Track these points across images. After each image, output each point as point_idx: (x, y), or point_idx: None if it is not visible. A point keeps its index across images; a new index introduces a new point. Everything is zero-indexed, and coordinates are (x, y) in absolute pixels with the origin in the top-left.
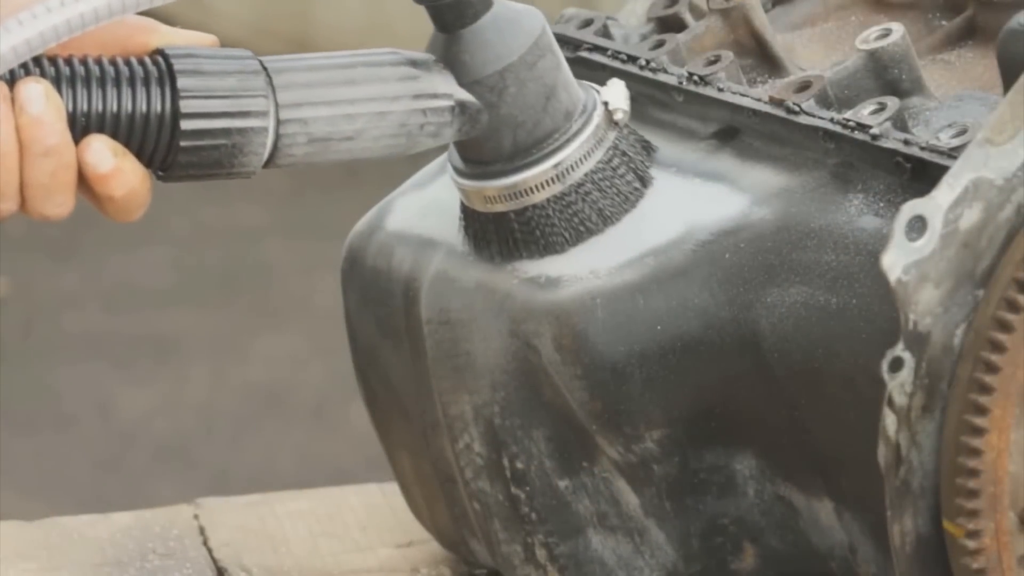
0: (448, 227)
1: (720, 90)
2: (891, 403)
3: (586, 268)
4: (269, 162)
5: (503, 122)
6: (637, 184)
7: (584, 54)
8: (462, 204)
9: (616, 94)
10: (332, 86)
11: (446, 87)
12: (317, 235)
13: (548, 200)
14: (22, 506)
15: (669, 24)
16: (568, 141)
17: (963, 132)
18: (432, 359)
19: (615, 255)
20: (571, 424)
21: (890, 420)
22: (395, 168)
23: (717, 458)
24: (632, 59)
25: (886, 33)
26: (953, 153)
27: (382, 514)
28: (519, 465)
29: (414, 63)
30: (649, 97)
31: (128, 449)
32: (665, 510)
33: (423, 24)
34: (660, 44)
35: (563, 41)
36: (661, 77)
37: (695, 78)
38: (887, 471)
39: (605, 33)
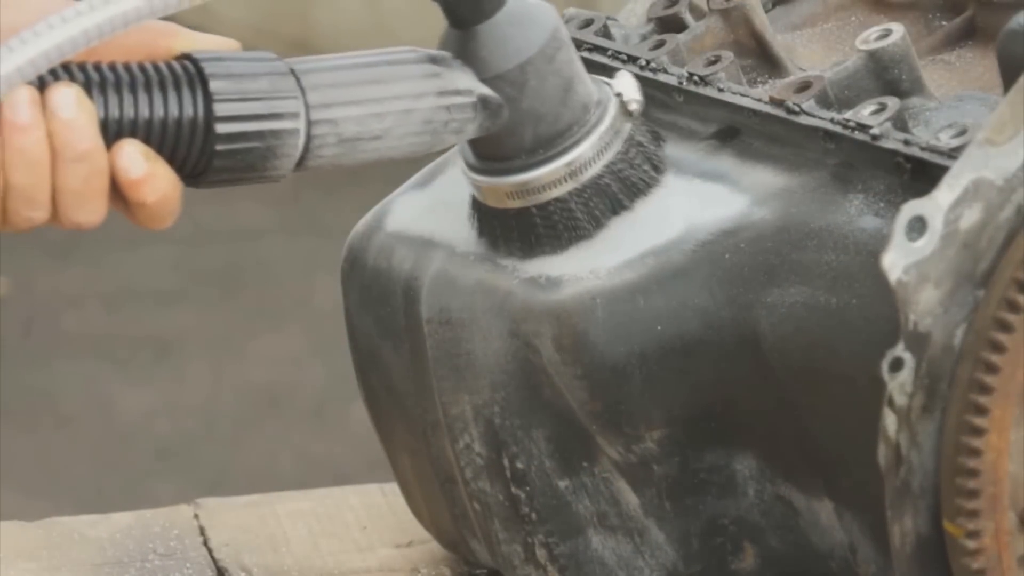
0: (448, 227)
1: (720, 90)
2: (891, 403)
3: (586, 268)
4: (299, 164)
5: (524, 116)
6: (653, 173)
7: (584, 54)
8: (474, 201)
9: (628, 85)
10: (359, 85)
11: (468, 83)
12: (317, 235)
13: (569, 193)
14: (22, 506)
15: (669, 24)
16: (587, 134)
17: (963, 132)
18: (432, 359)
19: (615, 255)
20: (571, 424)
21: (890, 420)
22: (395, 169)
23: (717, 458)
24: (632, 59)
25: (886, 33)
26: (953, 153)
27: (382, 514)
28: (519, 465)
29: (434, 60)
30: (649, 97)
31: (128, 449)
32: (665, 510)
33: (423, 25)
34: (660, 44)
35: None
36: (661, 77)
37: (695, 78)
38: (887, 471)
39: (605, 33)
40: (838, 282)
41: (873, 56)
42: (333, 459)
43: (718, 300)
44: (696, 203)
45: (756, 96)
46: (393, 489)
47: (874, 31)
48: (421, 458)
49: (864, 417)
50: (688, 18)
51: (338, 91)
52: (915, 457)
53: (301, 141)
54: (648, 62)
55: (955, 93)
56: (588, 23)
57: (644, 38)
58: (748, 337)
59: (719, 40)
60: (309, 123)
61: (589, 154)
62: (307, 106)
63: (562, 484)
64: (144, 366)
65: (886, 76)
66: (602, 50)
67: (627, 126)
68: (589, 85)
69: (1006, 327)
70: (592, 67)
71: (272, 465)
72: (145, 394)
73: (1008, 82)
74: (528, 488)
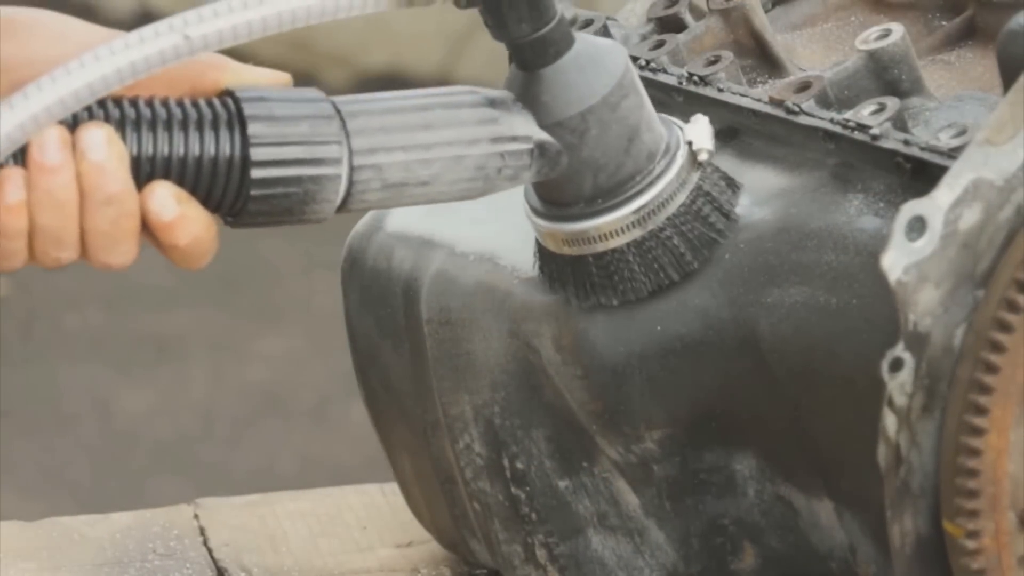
0: (448, 227)
1: (720, 90)
2: (891, 403)
3: None
4: (341, 207)
5: (584, 165)
6: (722, 224)
7: None
8: (537, 243)
9: (700, 132)
10: (408, 131)
11: (525, 129)
12: (317, 235)
13: (628, 245)
14: (22, 506)
15: (669, 24)
16: (650, 184)
17: (963, 132)
18: (432, 359)
19: None
20: (571, 424)
21: (890, 420)
22: None
23: (717, 458)
24: (632, 59)
25: (886, 33)
26: (953, 153)
27: (382, 514)
28: (519, 465)
29: (493, 103)
30: (649, 97)
31: (128, 449)
32: (665, 510)
33: (422, 25)
34: (660, 44)
35: None
36: (661, 77)
37: (695, 78)
38: (887, 471)
39: (605, 33)
40: (838, 282)
41: (873, 56)
42: (333, 459)
43: (718, 300)
44: None
45: (756, 96)
46: (393, 489)
47: (874, 31)
48: (421, 458)
49: (864, 417)
50: (688, 18)
51: (385, 136)
52: (915, 457)
53: (343, 187)
54: (648, 62)
55: (955, 93)
56: (588, 23)
57: (644, 38)
58: (748, 337)
59: (719, 40)
60: (352, 169)
61: (651, 206)
62: (351, 151)
63: (562, 484)
64: (144, 366)
65: (886, 76)
66: None
67: (695, 176)
68: (657, 132)
69: (1006, 327)
70: None
71: (272, 465)
72: (145, 394)
73: (1008, 82)
74: (528, 488)
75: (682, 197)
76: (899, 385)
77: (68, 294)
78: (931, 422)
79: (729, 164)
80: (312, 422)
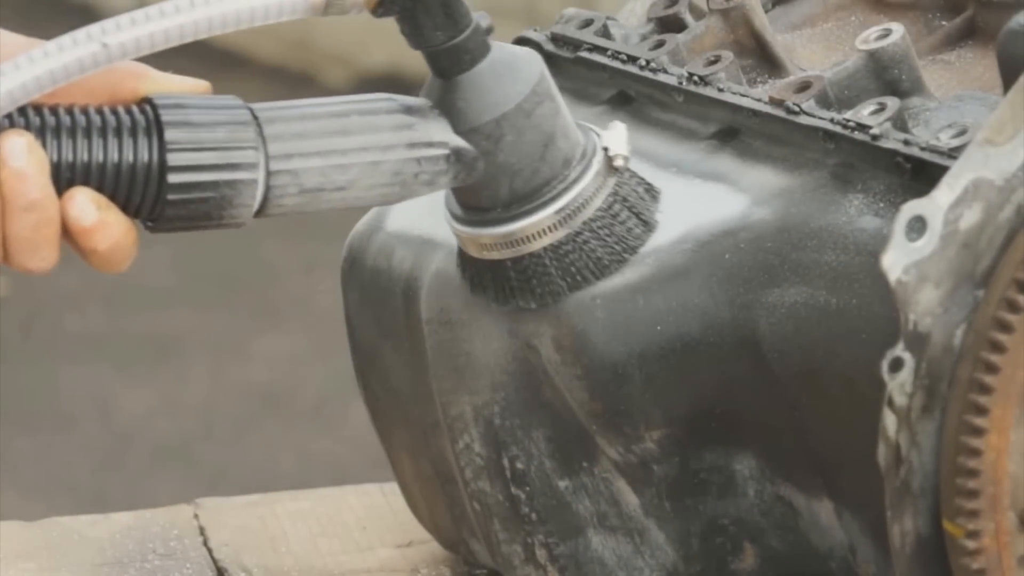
0: (448, 227)
1: (720, 90)
2: (891, 403)
3: None
4: (259, 212)
5: (500, 170)
6: (639, 230)
7: (584, 54)
8: (459, 248)
9: (616, 139)
10: (324, 136)
11: (442, 135)
12: (317, 235)
13: (545, 249)
14: (22, 506)
15: (669, 24)
16: (566, 189)
17: (963, 132)
18: (432, 359)
19: None
20: (571, 424)
21: (890, 420)
22: None
23: (717, 458)
24: (632, 59)
25: (886, 33)
26: (953, 153)
27: (382, 514)
28: (519, 465)
29: (409, 110)
30: (649, 97)
31: (128, 449)
32: (665, 510)
33: None
34: (660, 44)
35: (563, 41)
36: (661, 77)
37: (695, 78)
38: (887, 471)
39: (605, 33)
40: (838, 282)
41: (873, 56)
42: (333, 459)
43: (718, 300)
44: (696, 203)
45: (756, 96)
46: (393, 489)
47: (874, 31)
48: (421, 458)
49: (864, 417)
50: (688, 18)
51: (302, 142)
52: (915, 457)
53: (259, 191)
54: (648, 62)
55: (955, 93)
56: (588, 23)
57: (644, 38)
58: (748, 337)
59: (719, 40)
60: (268, 174)
61: (567, 210)
62: (267, 157)
63: (562, 484)
64: (144, 366)
65: (886, 76)
66: (602, 50)
67: (611, 181)
68: (574, 139)
69: (1006, 327)
70: (592, 67)
71: (272, 465)
72: (145, 394)
73: (1008, 82)
74: (528, 488)
75: (598, 202)
76: (899, 385)
77: (68, 294)
78: (931, 422)
79: (729, 164)
80: (312, 422)
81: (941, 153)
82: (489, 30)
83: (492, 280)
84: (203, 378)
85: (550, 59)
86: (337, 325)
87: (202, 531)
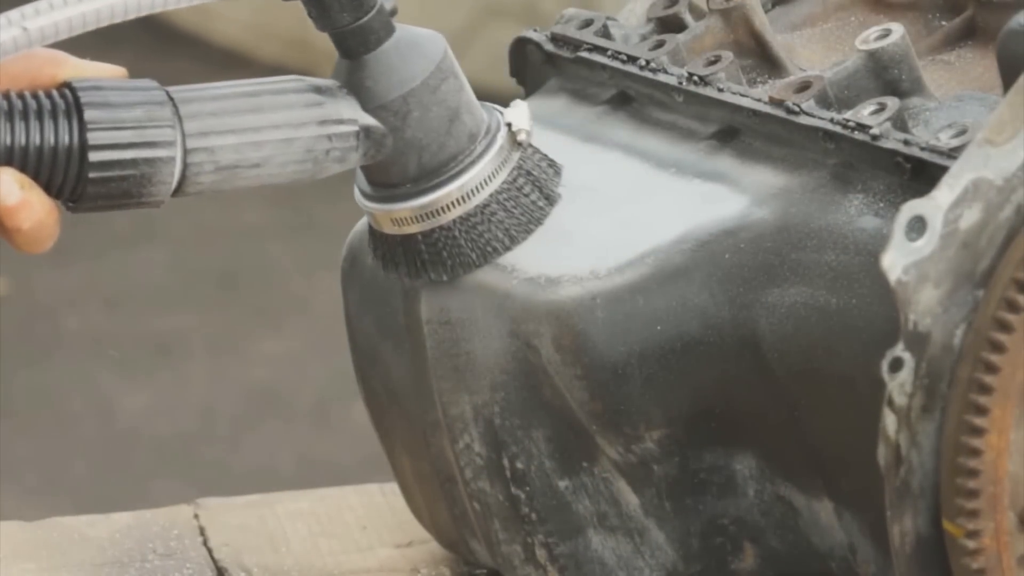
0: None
1: (720, 90)
2: (891, 403)
3: (586, 268)
4: (177, 191)
5: (408, 145)
6: (543, 203)
7: (584, 54)
8: (369, 227)
9: (519, 115)
10: (238, 114)
11: (351, 113)
12: (317, 235)
13: (455, 221)
14: (22, 506)
15: (669, 24)
16: (473, 163)
17: (963, 132)
18: (432, 359)
19: (615, 255)
20: (571, 424)
21: (890, 420)
22: None
23: (717, 458)
24: (632, 59)
25: (886, 33)
26: (953, 153)
27: (382, 514)
28: (519, 465)
29: (319, 90)
30: (649, 97)
31: (128, 449)
32: (665, 510)
33: (423, 23)
34: (660, 44)
35: (563, 41)
36: (661, 77)
37: (695, 78)
38: (887, 471)
39: (605, 33)
40: (838, 282)
41: (873, 56)
42: (333, 459)
43: (718, 300)
44: (696, 203)
45: (756, 96)
46: (393, 489)
47: (874, 31)
48: (421, 458)
49: (864, 417)
50: (688, 18)
51: (216, 120)
52: (915, 457)
53: (177, 169)
54: (648, 62)
55: (955, 93)
56: (588, 23)
57: (644, 38)
58: (748, 337)
59: (719, 40)
60: (186, 151)
61: (474, 183)
62: (184, 134)
63: (562, 484)
64: (144, 366)
65: (886, 76)
66: (602, 50)
67: (515, 155)
68: (478, 115)
69: (1006, 327)
70: (592, 67)
71: (272, 465)
72: (145, 394)
73: (1008, 82)
74: (528, 488)
75: (504, 175)
76: (899, 385)
77: (68, 294)
78: (931, 422)
79: (729, 164)
80: (312, 422)
81: (941, 153)
82: (393, 11)
83: (404, 255)
84: (203, 378)
85: (550, 59)
86: (337, 325)
87: (202, 531)
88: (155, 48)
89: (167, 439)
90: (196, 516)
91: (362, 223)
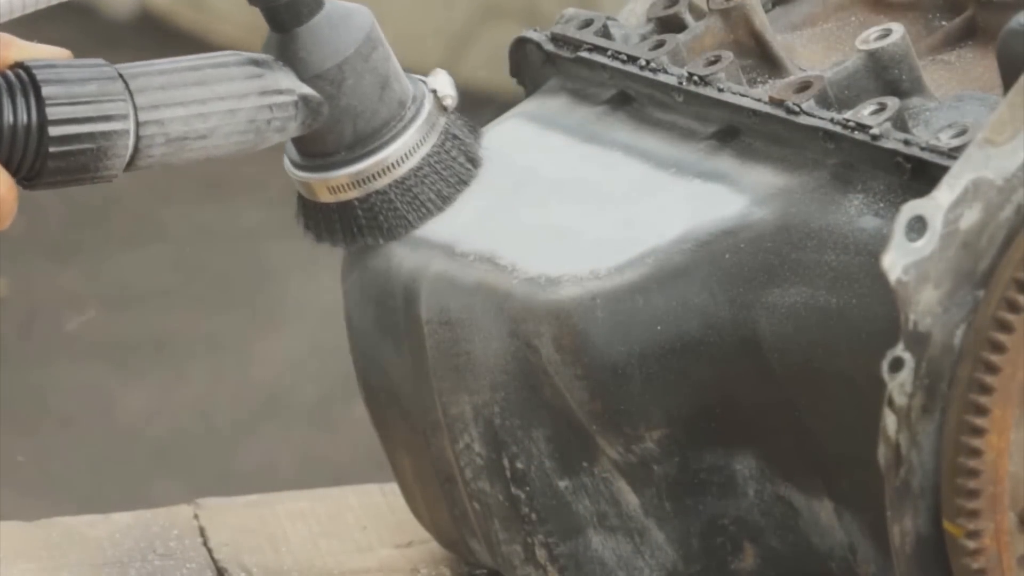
0: (447, 227)
1: (720, 90)
2: (891, 403)
3: (586, 268)
4: (130, 164)
5: (343, 113)
6: (469, 165)
7: (584, 54)
8: (299, 198)
9: (443, 82)
10: (185, 87)
11: (288, 83)
12: None
13: (390, 185)
14: (22, 506)
15: (669, 24)
16: (404, 128)
17: (963, 132)
18: (432, 359)
19: (615, 255)
20: (571, 424)
21: (890, 420)
22: None
23: (717, 458)
24: (632, 59)
25: (886, 33)
26: (953, 153)
27: (382, 514)
28: (519, 465)
29: (256, 62)
30: (649, 97)
31: (128, 449)
32: (665, 510)
33: (422, 25)
34: (660, 44)
35: (563, 41)
36: (661, 77)
37: (695, 78)
38: (887, 471)
39: (605, 33)
40: (838, 282)
41: (873, 56)
42: (333, 459)
43: (718, 300)
44: (696, 203)
45: (756, 96)
46: (393, 489)
47: (874, 31)
48: (421, 458)
49: (864, 417)
50: (688, 18)
51: (164, 93)
52: (915, 457)
53: (131, 142)
54: (648, 62)
55: (955, 93)
56: (588, 23)
57: (644, 38)
58: (748, 337)
59: (719, 40)
60: (138, 124)
61: (406, 147)
62: (135, 108)
63: (562, 484)
64: (144, 366)
65: (886, 76)
66: (602, 50)
67: (442, 120)
68: (405, 83)
69: (1006, 327)
70: (592, 67)
71: (272, 465)
72: (144, 394)
73: (1008, 82)
74: (528, 488)
75: (434, 139)
76: (899, 385)
77: (68, 294)
78: (931, 422)
79: (729, 164)
80: (312, 422)
81: (941, 153)
82: None
83: (340, 221)
84: (203, 378)
85: (550, 59)
86: (337, 325)
87: (202, 531)
88: (155, 48)
89: (167, 439)
90: (196, 516)
91: None
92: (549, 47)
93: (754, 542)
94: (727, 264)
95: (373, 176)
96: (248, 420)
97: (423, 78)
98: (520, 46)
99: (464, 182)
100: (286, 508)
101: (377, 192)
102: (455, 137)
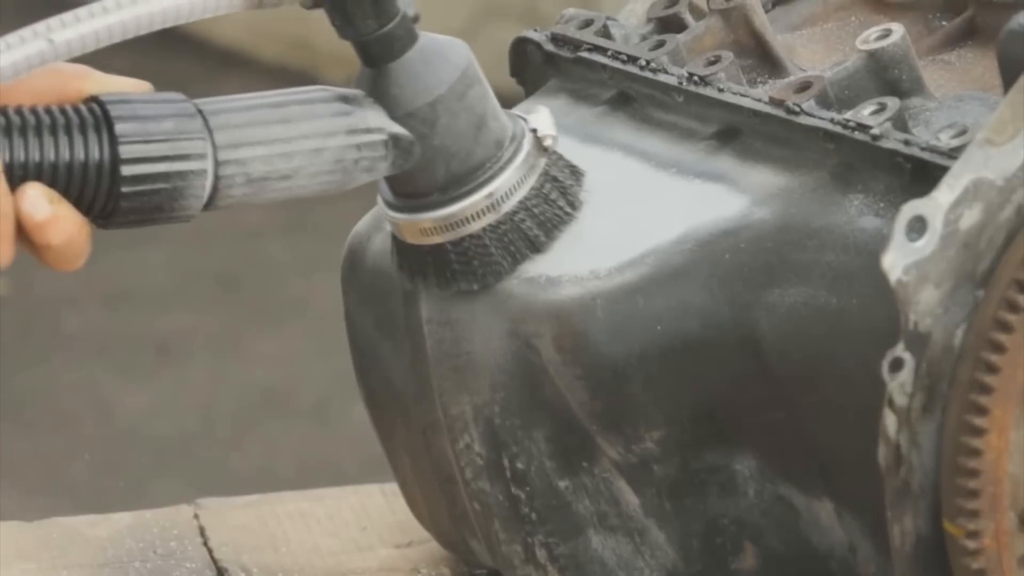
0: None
1: (720, 90)
2: (891, 403)
3: (586, 268)
4: (208, 204)
5: (436, 153)
6: (568, 209)
7: (584, 54)
8: (394, 238)
9: (544, 121)
10: (267, 125)
11: (378, 121)
12: (317, 235)
13: (484, 229)
14: (22, 506)
15: (669, 24)
16: (501, 170)
17: (963, 132)
18: (432, 359)
19: (615, 255)
20: (571, 424)
21: (890, 420)
22: None
23: (717, 458)
24: (632, 59)
25: (886, 33)
26: (953, 153)
27: (382, 514)
28: (519, 465)
29: (345, 99)
30: (649, 97)
31: (128, 449)
32: (665, 510)
33: (423, 23)
34: (660, 44)
35: (563, 41)
36: (661, 77)
37: (695, 78)
38: (887, 471)
39: (605, 33)
40: (838, 282)
41: (873, 56)
42: (333, 459)
43: (718, 300)
44: (696, 203)
45: (756, 96)
46: (393, 489)
47: (874, 31)
48: (421, 458)
49: (864, 417)
50: (688, 18)
51: (246, 131)
52: (915, 457)
53: (209, 182)
54: (648, 62)
55: (955, 93)
56: (588, 23)
57: (644, 38)
58: (748, 337)
59: (719, 40)
60: (217, 164)
61: (503, 190)
62: (214, 147)
63: (562, 484)
64: (144, 366)
65: (886, 76)
66: (602, 50)
67: (542, 161)
68: (503, 121)
69: (1006, 327)
70: (592, 67)
71: (272, 465)
72: (145, 394)
73: (1008, 82)
74: (528, 488)
75: (531, 181)
76: (899, 385)
77: (68, 294)
78: (931, 422)
79: (729, 164)
80: (312, 422)
81: (941, 153)
82: (416, 18)
83: (433, 265)
84: (203, 378)
85: (550, 59)
86: (337, 325)
87: (202, 531)
88: (155, 49)
89: (167, 439)
90: (196, 516)
91: (362, 223)
92: (549, 47)
93: (754, 542)
94: (727, 264)
95: (465, 220)
96: (248, 420)
97: (524, 115)
98: (520, 46)
99: (562, 227)
100: (286, 508)
101: (471, 236)
102: (555, 179)
